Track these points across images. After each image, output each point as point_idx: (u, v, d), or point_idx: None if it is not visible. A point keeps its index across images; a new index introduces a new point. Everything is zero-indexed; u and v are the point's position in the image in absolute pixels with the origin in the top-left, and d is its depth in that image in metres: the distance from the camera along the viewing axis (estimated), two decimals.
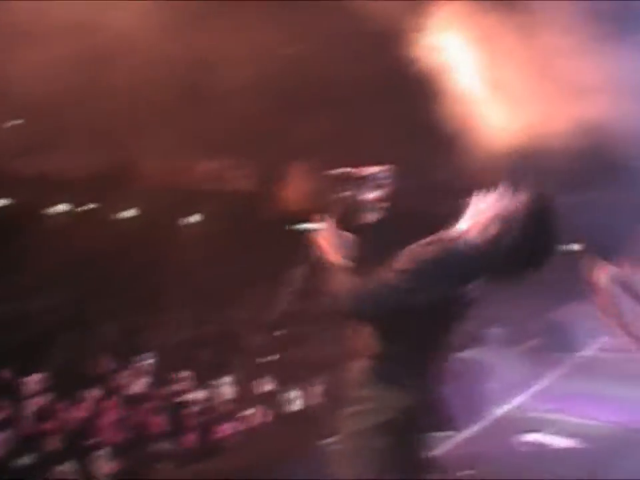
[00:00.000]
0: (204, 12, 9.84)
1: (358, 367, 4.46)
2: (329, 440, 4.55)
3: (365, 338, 4.39)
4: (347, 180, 4.74)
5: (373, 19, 9.48)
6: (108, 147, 13.15)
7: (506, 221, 4.09)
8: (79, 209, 15.87)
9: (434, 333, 4.45)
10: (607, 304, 2.56)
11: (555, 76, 9.06)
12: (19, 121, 13.18)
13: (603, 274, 2.58)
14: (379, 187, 4.75)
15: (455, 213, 4.41)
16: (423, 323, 4.34)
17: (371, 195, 4.75)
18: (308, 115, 11.67)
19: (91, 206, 15.80)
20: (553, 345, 11.15)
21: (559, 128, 8.89)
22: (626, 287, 2.60)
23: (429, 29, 9.06)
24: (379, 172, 4.84)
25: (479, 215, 4.18)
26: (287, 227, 13.80)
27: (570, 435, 8.08)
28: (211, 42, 9.90)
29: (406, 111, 10.96)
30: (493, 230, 4.14)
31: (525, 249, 4.12)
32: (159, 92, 10.61)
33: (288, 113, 11.71)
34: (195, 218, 16.45)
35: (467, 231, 4.22)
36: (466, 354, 9.83)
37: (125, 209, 15.99)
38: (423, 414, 4.46)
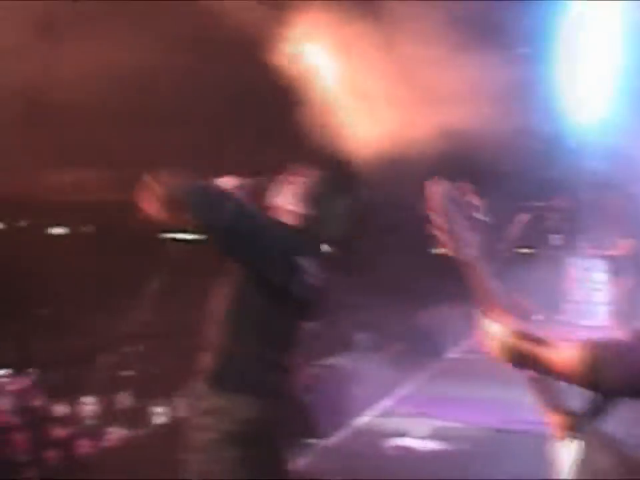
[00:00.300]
0: (50, 22, 9.61)
1: (206, 377, 4.42)
2: (188, 454, 4.46)
3: (215, 336, 4.36)
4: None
5: (233, 26, 9.44)
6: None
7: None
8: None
9: (282, 332, 4.43)
10: (440, 221, 2.62)
11: (417, 84, 9.18)
12: None
13: (438, 188, 2.64)
14: (249, 196, 4.77)
15: None
16: (268, 317, 4.33)
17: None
18: (169, 125, 11.56)
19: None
20: (418, 348, 11.29)
21: (421, 135, 9.02)
22: (458, 206, 2.67)
23: (291, 37, 9.06)
24: (248, 182, 4.89)
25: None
26: (151, 237, 13.62)
27: (436, 438, 8.16)
28: (62, 52, 9.69)
29: (269, 121, 10.97)
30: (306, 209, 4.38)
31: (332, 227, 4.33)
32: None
33: (149, 122, 11.56)
34: (59, 230, 16.08)
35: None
36: (332, 360, 9.85)
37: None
38: (278, 423, 4.42)
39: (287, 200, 4.73)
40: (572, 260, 13.29)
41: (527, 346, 2.59)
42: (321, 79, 9.32)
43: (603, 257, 13.32)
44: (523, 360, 2.65)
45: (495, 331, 2.68)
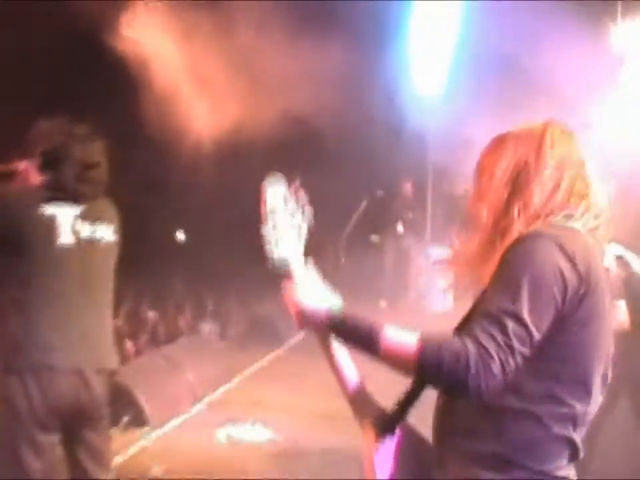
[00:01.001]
0: None
1: None
2: None
3: None
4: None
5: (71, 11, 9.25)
6: None
7: None
8: None
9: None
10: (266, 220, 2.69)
11: (256, 72, 9.21)
12: None
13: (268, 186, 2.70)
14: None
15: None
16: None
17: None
18: None
19: None
20: (258, 337, 11.31)
21: (263, 121, 9.06)
22: (286, 206, 2.75)
23: (130, 25, 8.95)
24: None
25: None
26: None
27: (270, 427, 8.18)
28: None
29: (111, 107, 10.79)
30: None
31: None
32: None
33: None
34: None
35: None
36: (168, 347, 9.80)
37: None
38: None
39: None
40: (417, 247, 13.52)
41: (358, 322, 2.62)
42: (162, 68, 9.24)
43: (447, 245, 13.59)
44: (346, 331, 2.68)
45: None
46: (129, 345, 11.19)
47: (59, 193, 4.30)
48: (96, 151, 4.49)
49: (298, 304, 2.73)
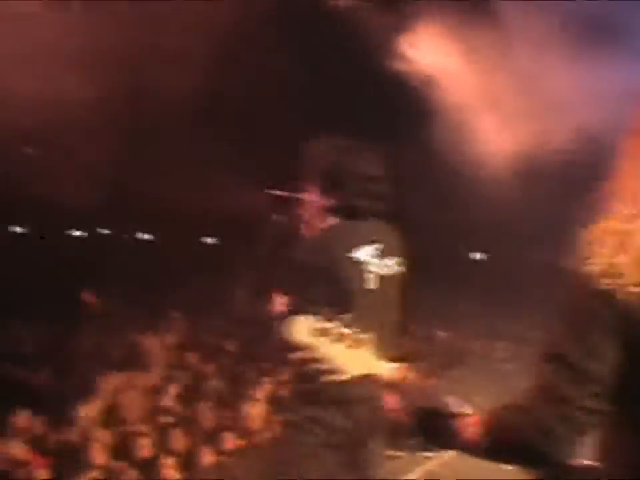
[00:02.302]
0: None
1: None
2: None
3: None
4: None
5: (358, 30, 9.41)
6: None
7: None
8: (95, 234, 15.97)
9: None
10: None
11: (542, 90, 8.95)
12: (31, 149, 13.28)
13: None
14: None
15: None
16: None
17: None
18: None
19: (106, 231, 15.90)
20: None
21: (553, 139, 8.80)
22: None
23: (412, 46, 8.97)
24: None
25: None
26: None
27: None
28: None
29: (396, 128, 10.86)
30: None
31: None
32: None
33: None
34: (210, 240, 16.45)
35: None
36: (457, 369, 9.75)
37: (141, 232, 16.06)
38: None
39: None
40: None
41: None
42: (444, 85, 9.19)
43: None
44: None
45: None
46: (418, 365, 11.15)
47: (347, 211, 4.29)
48: (377, 164, 4.45)
49: None
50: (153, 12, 8.86)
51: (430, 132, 9.21)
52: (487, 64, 8.89)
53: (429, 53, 9.02)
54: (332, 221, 4.26)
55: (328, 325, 2.63)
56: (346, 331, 2.65)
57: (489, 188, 11.34)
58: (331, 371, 2.60)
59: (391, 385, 2.81)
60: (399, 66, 9.00)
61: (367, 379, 2.78)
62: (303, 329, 2.59)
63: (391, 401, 4.10)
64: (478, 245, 16.50)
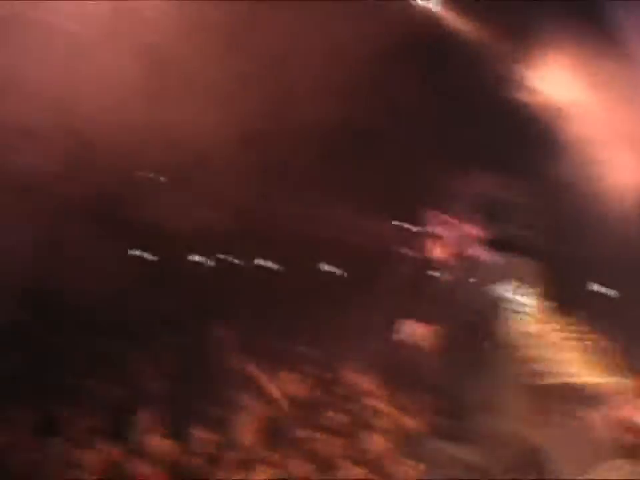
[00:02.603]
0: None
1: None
2: None
3: None
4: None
5: (487, 63, 9.37)
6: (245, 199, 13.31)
7: None
8: (218, 261, 16.14)
9: None
10: None
11: None
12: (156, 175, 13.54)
13: None
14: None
15: None
16: None
17: None
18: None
19: (229, 258, 16.04)
20: None
21: None
22: None
23: (540, 78, 8.92)
24: None
25: None
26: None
27: None
28: None
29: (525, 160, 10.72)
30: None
31: None
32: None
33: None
34: (333, 269, 16.43)
35: None
36: None
37: (263, 260, 16.15)
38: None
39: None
40: None
41: None
42: (576, 119, 9.08)
43: None
44: None
45: None
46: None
47: (501, 244, 4.28)
48: (524, 197, 4.44)
49: None
50: (292, 43, 8.98)
51: (560, 165, 9.10)
52: (618, 97, 8.75)
53: (559, 85, 8.93)
54: (482, 253, 4.24)
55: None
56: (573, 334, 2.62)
57: (619, 223, 11.10)
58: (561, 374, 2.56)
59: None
60: (528, 98, 8.94)
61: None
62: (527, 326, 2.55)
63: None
64: (607, 281, 16.08)
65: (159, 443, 8.47)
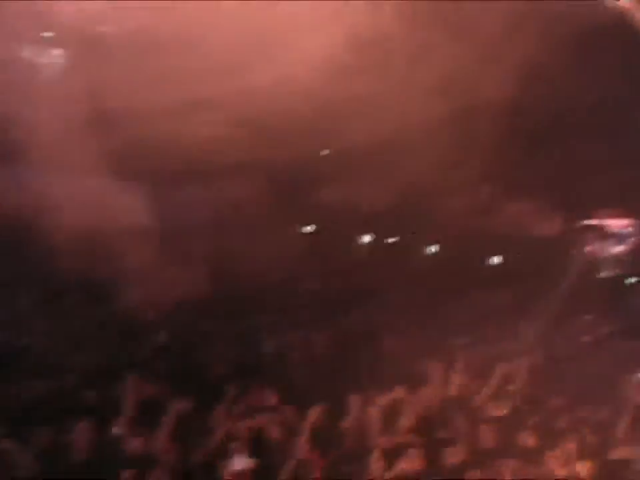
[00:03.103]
0: None
1: None
2: None
3: None
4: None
5: None
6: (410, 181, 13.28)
7: None
8: (384, 241, 16.14)
9: None
10: None
11: None
12: (327, 151, 13.66)
13: None
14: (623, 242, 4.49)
15: None
16: None
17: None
18: None
19: (394, 239, 16.03)
20: None
21: None
22: None
23: None
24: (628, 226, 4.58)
25: None
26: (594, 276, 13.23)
27: None
28: None
29: None
30: None
31: None
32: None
33: None
34: (496, 260, 16.21)
35: None
36: None
37: (427, 244, 16.07)
38: None
39: None
40: None
41: None
42: None
43: None
44: None
45: None
46: None
47: None
48: None
49: None
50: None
51: None
52: None
53: None
54: None
55: None
56: None
57: None
58: None
59: None
60: None
61: None
62: None
63: None
64: None
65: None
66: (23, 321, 11.58)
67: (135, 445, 8.02)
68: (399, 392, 9.46)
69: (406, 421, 9.00)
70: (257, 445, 8.32)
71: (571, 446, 8.56)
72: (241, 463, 7.81)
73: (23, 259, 11.39)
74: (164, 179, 12.01)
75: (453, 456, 8.38)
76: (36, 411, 8.97)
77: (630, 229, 3.92)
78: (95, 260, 10.40)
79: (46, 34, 10.16)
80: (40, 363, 10.45)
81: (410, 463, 8.18)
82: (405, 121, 10.82)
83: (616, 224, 4.05)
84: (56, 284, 11.72)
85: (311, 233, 15.32)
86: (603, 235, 4.03)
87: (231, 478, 7.72)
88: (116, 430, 8.25)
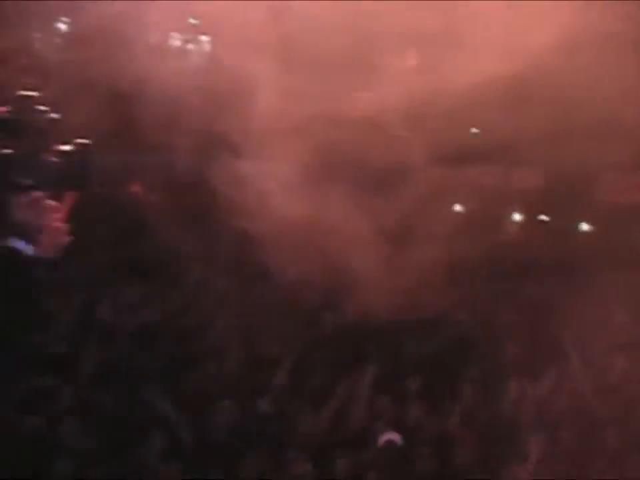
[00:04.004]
0: None
1: None
2: None
3: None
4: None
5: None
6: (565, 159, 13.03)
7: None
8: (533, 219, 15.89)
9: None
10: None
11: None
12: (476, 130, 13.53)
13: None
14: None
15: None
16: None
17: None
18: None
19: (543, 217, 15.73)
20: None
21: None
22: None
23: None
24: None
25: None
26: None
27: None
28: None
29: None
30: None
31: None
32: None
33: None
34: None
35: None
36: None
37: (578, 222, 15.70)
38: None
39: None
40: None
41: None
42: None
43: None
44: None
45: None
46: None
47: None
48: None
49: None
50: None
51: None
52: None
53: None
54: None
55: None
56: None
57: None
58: None
59: None
60: None
61: None
62: None
63: None
64: None
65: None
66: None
67: None
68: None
69: None
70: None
71: None
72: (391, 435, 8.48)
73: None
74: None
75: None
76: None
77: None
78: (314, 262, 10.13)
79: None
80: None
81: None
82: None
83: None
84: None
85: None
86: None
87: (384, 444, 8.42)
88: None
